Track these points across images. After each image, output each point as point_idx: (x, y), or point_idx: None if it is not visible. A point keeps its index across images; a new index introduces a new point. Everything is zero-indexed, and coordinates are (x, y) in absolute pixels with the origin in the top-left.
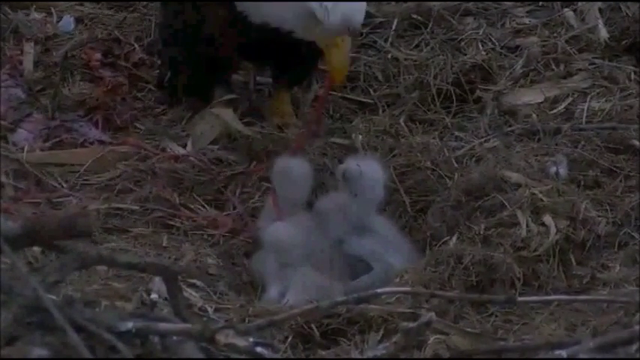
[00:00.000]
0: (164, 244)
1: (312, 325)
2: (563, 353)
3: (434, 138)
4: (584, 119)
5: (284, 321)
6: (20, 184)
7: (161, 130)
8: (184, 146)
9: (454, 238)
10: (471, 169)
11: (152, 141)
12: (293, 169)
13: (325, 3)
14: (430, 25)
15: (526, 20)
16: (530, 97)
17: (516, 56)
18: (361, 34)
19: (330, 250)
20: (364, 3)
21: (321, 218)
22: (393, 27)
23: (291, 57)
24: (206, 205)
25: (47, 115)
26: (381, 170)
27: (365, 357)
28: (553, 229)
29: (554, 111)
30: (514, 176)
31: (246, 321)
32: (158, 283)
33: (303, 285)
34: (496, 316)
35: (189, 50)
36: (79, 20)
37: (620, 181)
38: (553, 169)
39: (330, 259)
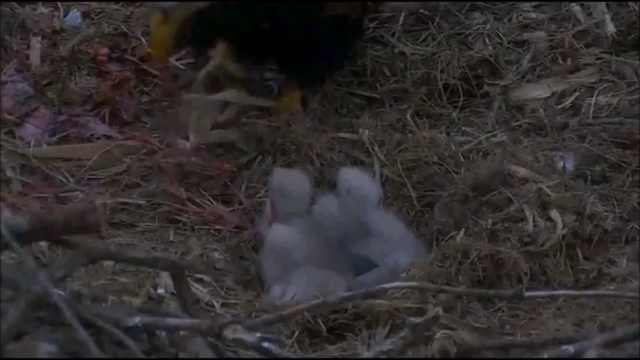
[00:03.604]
0: (171, 239)
1: (319, 320)
2: (571, 348)
3: (441, 133)
4: (591, 114)
5: (291, 316)
6: (27, 178)
7: (168, 124)
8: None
9: (461, 233)
10: (477, 163)
11: (159, 135)
12: (289, 184)
13: None
14: (437, 20)
15: (533, 15)
16: (537, 91)
17: (523, 51)
18: (368, 29)
19: (331, 250)
20: None
21: (321, 220)
22: (400, 22)
23: (302, 59)
24: (213, 200)
25: (54, 110)
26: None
27: (372, 352)
28: (560, 224)
29: (561, 106)
30: (521, 171)
31: (253, 316)
32: (165, 278)
33: (305, 281)
34: (503, 311)
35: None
36: (85, 15)
37: (628, 176)
38: (560, 164)
39: (332, 258)
